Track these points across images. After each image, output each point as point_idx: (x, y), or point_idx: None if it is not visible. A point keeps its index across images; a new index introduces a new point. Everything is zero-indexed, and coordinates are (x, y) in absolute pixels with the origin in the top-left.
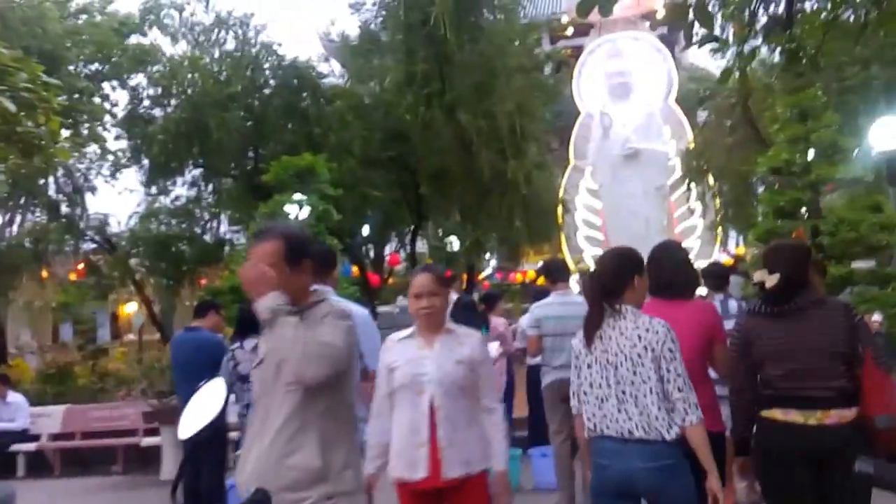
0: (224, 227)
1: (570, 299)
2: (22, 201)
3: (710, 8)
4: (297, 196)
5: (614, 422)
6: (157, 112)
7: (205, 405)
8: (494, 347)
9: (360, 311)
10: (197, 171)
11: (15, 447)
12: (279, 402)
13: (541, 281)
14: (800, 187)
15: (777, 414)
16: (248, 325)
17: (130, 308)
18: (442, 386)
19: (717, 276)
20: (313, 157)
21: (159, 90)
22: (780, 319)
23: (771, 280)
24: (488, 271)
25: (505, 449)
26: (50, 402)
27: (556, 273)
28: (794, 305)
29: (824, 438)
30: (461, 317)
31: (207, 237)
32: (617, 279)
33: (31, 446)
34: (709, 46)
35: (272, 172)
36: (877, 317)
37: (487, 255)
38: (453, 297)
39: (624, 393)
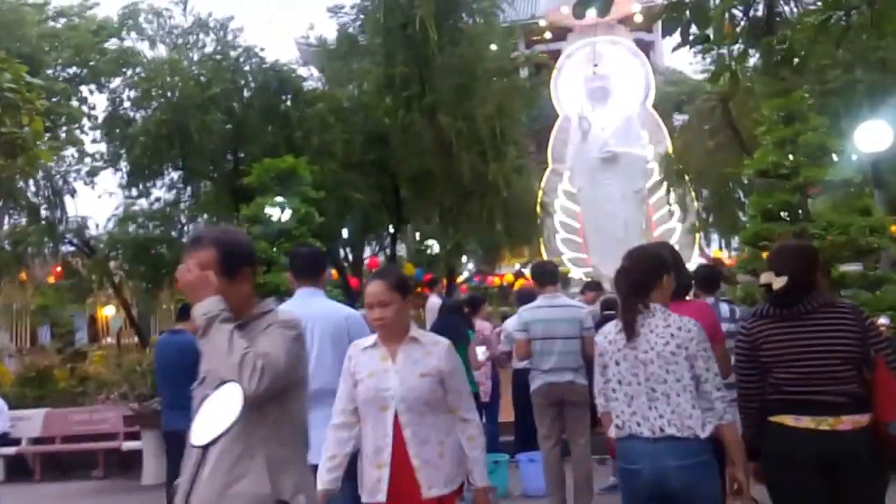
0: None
1: (559, 302)
2: (0, 203)
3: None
4: (279, 198)
5: (645, 419)
6: (138, 115)
7: (220, 410)
8: (481, 351)
9: (353, 313)
10: (176, 174)
11: None
12: None
13: (518, 284)
14: (788, 189)
15: (787, 419)
16: None
17: (108, 311)
18: (406, 402)
19: (709, 279)
20: (295, 159)
21: (139, 93)
22: (789, 322)
23: (778, 282)
24: (465, 275)
25: (484, 463)
26: (29, 405)
27: (543, 276)
28: (803, 308)
29: (836, 444)
30: (448, 320)
31: (186, 240)
32: (646, 277)
33: (10, 450)
34: (692, 49)
35: (254, 174)
36: (883, 320)
37: (464, 259)
38: (434, 300)
39: (654, 391)
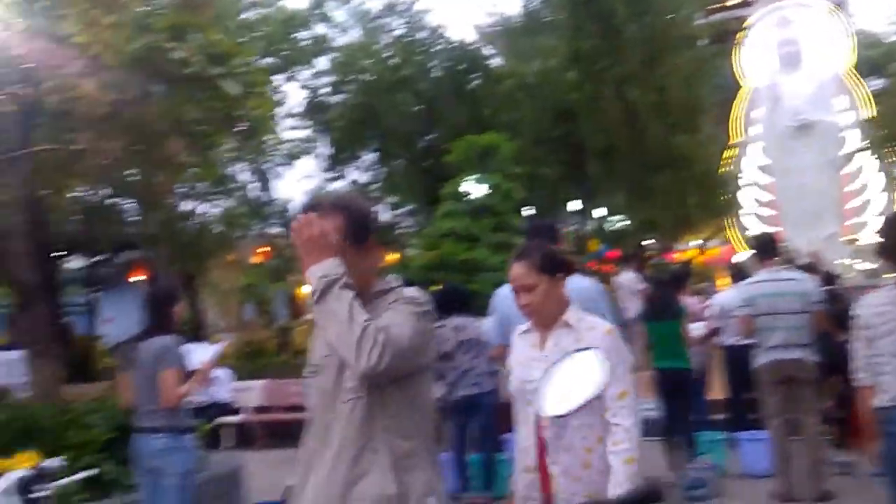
0: (393, 210)
1: (783, 276)
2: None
3: None
4: (479, 175)
5: None
6: (335, 99)
7: (577, 378)
8: (700, 328)
9: (592, 285)
10: (372, 156)
11: (220, 420)
12: (340, 416)
13: (699, 259)
14: None
15: None
16: (451, 304)
17: (307, 289)
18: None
19: None
20: (496, 136)
21: (336, 77)
22: None
23: None
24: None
25: (624, 479)
26: (246, 377)
27: (765, 249)
28: None
29: None
30: (661, 295)
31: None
32: None
33: (236, 419)
34: None
35: (455, 152)
36: None
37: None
38: (626, 276)
39: None
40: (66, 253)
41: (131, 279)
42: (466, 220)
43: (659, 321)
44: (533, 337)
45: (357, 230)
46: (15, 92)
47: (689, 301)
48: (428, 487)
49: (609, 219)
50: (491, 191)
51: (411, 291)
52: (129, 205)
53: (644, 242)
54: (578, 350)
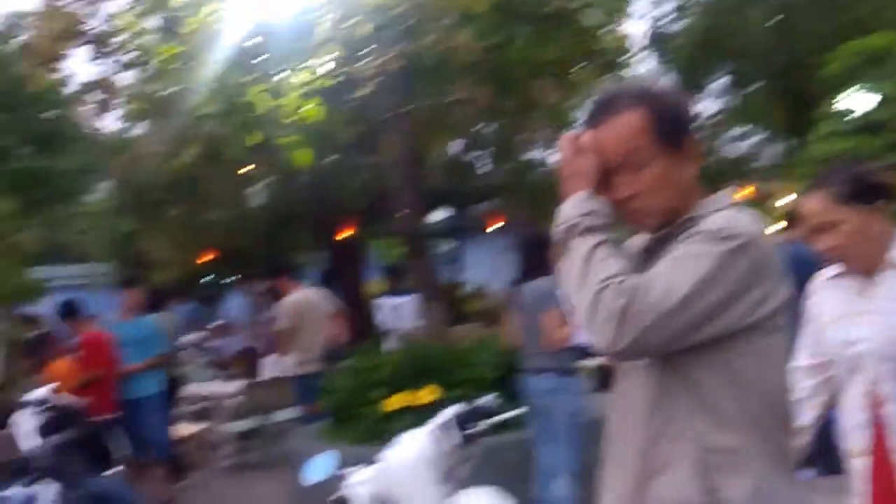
0: (748, 140)
1: None
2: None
3: None
4: (867, 85)
5: None
6: (678, 27)
7: None
8: None
9: None
10: (721, 82)
11: (584, 363)
12: (637, 384)
13: None
14: None
15: None
16: None
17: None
18: (887, 360)
19: None
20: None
21: (676, 4)
22: None
23: None
24: None
25: None
26: None
27: None
28: None
29: None
30: None
31: (728, 151)
32: None
33: (595, 362)
34: None
35: (836, 62)
36: None
37: None
38: None
39: None
40: (433, 205)
41: (489, 229)
42: (852, 141)
43: None
44: (850, 284)
45: (666, 129)
46: (399, 50)
47: None
48: (752, 498)
49: None
50: (883, 103)
51: (721, 219)
52: (486, 156)
53: None
54: None
